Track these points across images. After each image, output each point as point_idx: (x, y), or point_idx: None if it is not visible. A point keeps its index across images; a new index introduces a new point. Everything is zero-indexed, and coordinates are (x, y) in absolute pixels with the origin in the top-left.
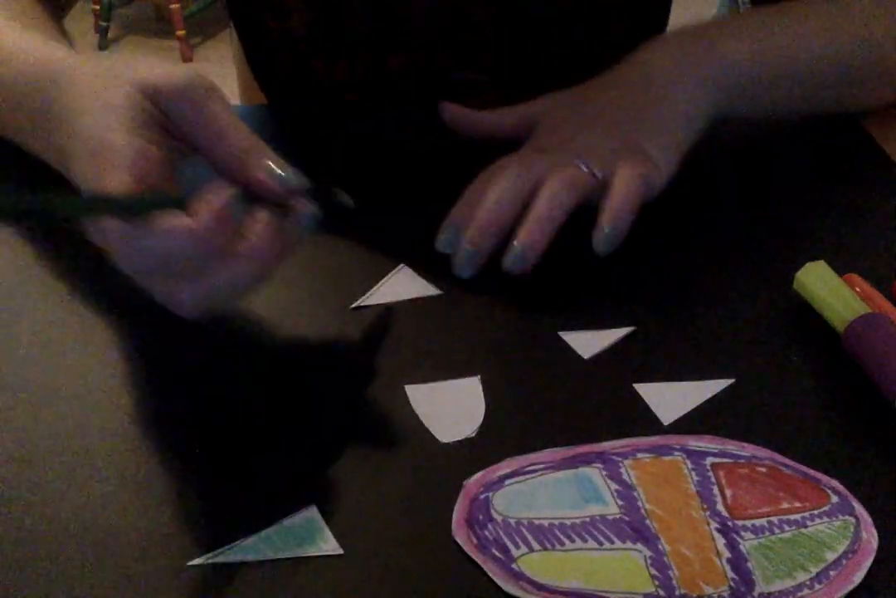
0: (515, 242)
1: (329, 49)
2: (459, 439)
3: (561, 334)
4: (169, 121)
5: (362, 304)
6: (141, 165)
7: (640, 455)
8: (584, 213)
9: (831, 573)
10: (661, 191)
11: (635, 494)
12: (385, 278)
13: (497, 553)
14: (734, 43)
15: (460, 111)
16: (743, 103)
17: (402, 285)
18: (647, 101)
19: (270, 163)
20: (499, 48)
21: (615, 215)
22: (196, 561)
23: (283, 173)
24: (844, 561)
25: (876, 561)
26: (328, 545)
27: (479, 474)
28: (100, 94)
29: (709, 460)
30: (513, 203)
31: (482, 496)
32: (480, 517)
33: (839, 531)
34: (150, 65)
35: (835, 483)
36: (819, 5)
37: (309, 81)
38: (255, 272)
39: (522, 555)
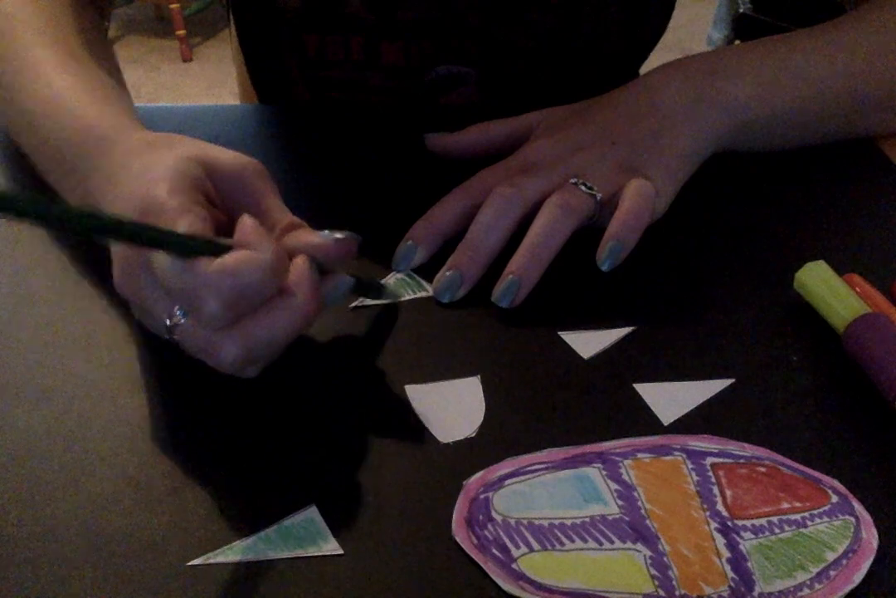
0: (511, 274)
1: (322, 25)
2: (459, 439)
3: (561, 334)
4: (216, 192)
5: (362, 304)
6: (188, 221)
7: (640, 455)
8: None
9: (831, 573)
10: (657, 219)
11: (635, 494)
12: (385, 279)
13: (497, 553)
14: (742, 83)
15: (445, 138)
16: (747, 141)
17: (401, 285)
18: (650, 130)
19: (325, 231)
20: (484, 41)
21: (625, 230)
22: (196, 561)
23: (340, 235)
24: (844, 561)
25: (876, 561)
26: (328, 545)
27: (479, 474)
28: (147, 159)
29: (709, 460)
30: (505, 230)
31: (482, 496)
32: (480, 517)
33: (839, 531)
34: (200, 142)
35: (835, 483)
36: (824, 37)
37: (299, 60)
38: (294, 327)
39: (522, 555)
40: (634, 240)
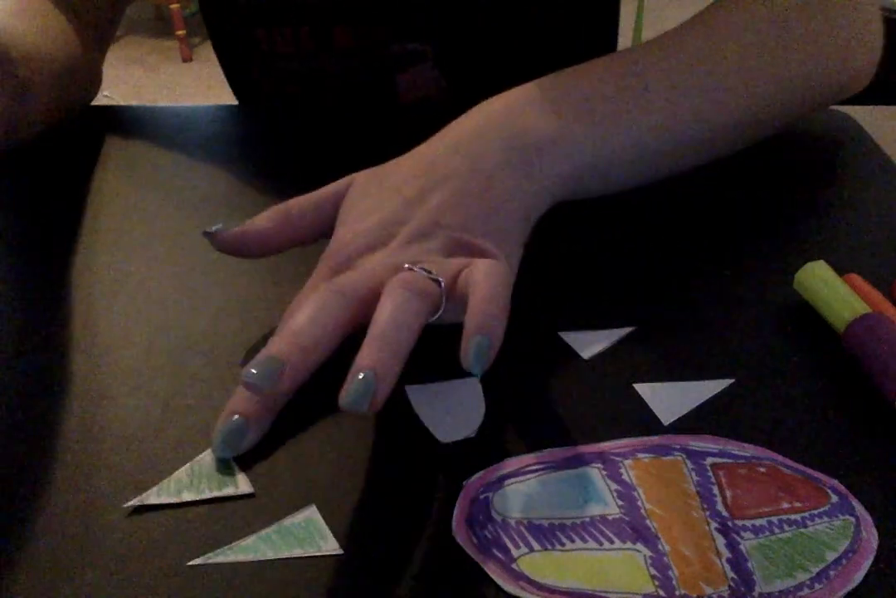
0: (361, 373)
1: (272, 17)
2: (459, 439)
3: (561, 334)
4: None
5: None
6: None
7: (640, 455)
8: (579, 210)
9: (831, 572)
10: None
11: (635, 494)
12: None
13: (497, 553)
14: (575, 122)
15: (233, 232)
16: (594, 184)
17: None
18: (474, 196)
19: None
20: (437, 18)
21: (487, 321)
22: (196, 561)
23: None
24: (844, 561)
25: (876, 561)
26: (328, 545)
27: (479, 475)
28: None
29: (709, 460)
30: (326, 327)
31: (482, 497)
32: (480, 518)
33: (839, 530)
34: None
35: (835, 483)
36: (672, 54)
37: (254, 54)
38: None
39: (522, 555)
40: (501, 329)
